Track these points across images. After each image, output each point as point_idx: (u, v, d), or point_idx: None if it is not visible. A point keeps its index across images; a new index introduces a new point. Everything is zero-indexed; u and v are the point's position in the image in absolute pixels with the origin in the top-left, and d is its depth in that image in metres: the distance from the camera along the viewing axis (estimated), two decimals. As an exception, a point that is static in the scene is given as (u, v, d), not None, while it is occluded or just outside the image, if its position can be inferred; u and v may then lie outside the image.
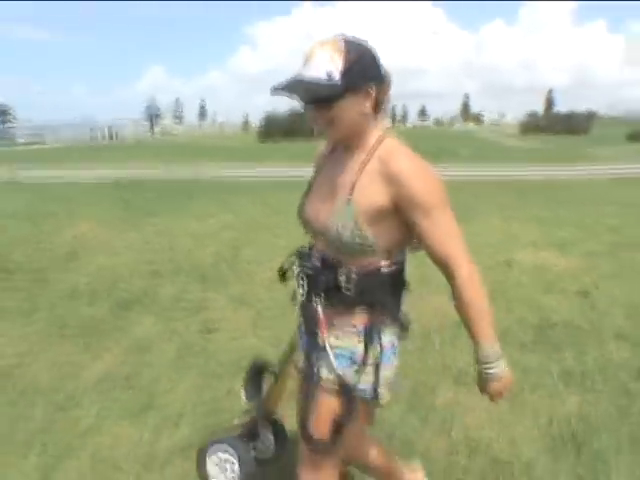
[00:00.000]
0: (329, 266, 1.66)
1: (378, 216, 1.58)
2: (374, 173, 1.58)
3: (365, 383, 1.66)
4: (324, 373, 1.68)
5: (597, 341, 4.03)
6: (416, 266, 1.88)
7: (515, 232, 8.12)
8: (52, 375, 3.55)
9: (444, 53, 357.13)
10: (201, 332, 4.23)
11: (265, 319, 4.48)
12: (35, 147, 49.09)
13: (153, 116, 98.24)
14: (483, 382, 1.68)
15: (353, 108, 1.56)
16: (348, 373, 1.66)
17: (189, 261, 6.43)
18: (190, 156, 28.34)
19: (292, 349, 1.99)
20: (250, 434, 2.16)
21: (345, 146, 1.67)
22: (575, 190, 15.10)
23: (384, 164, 1.57)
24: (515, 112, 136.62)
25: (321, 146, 1.84)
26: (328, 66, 1.50)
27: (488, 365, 1.64)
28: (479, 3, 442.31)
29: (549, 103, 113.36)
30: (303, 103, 1.58)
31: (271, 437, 2.20)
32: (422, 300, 4.63)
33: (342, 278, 1.63)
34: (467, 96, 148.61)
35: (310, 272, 1.70)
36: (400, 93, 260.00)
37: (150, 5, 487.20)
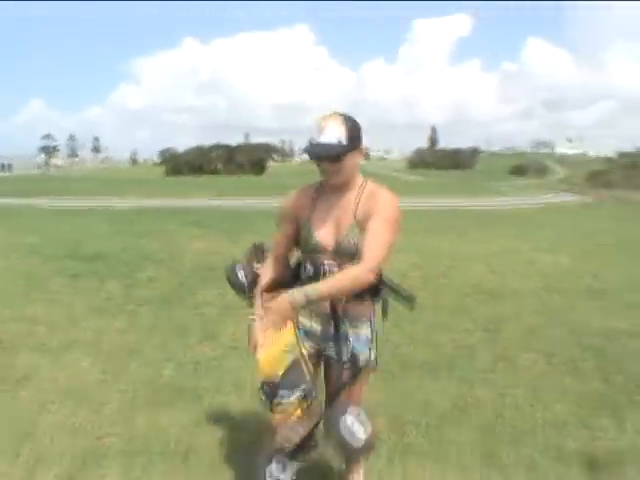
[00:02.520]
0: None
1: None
2: (365, 198, 2.23)
3: (374, 356, 2.35)
4: (359, 355, 2.31)
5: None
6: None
7: (509, 245, 11.14)
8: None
9: (326, 90, 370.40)
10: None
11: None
12: None
13: (50, 151, 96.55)
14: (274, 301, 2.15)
15: (353, 161, 2.19)
16: (367, 352, 2.32)
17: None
18: (149, 191, 29.05)
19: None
20: None
21: (336, 188, 2.26)
22: (514, 217, 18.62)
23: (372, 195, 2.23)
24: (400, 148, 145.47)
25: (296, 192, 2.41)
26: (337, 134, 2.12)
27: (287, 296, 2.12)
28: (360, 41, 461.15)
29: (433, 139, 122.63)
30: (318, 160, 2.18)
31: None
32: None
33: None
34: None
35: (331, 273, 2.23)
36: (285, 129, 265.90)
37: (24, 33, 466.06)
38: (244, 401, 3.70)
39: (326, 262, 2.26)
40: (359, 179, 2.29)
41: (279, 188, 28.82)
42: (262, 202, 21.12)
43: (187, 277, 7.29)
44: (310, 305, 2.16)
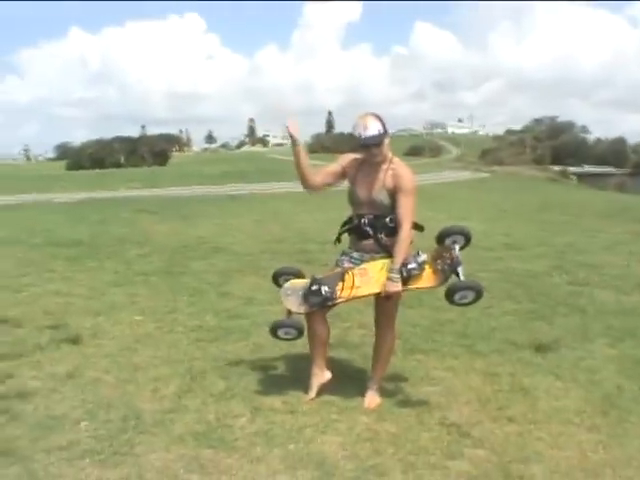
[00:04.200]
0: (379, 216, 3.42)
1: (392, 193, 3.37)
2: (391, 173, 3.39)
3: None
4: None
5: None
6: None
7: (428, 215, 12.65)
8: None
9: (220, 77, 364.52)
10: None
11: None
12: None
13: None
14: (387, 280, 3.35)
15: (386, 144, 3.36)
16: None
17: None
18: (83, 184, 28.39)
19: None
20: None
21: (375, 162, 3.40)
22: (422, 193, 20.42)
23: (396, 170, 3.39)
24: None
25: (349, 155, 3.58)
26: (377, 127, 3.28)
27: (392, 273, 3.33)
28: (252, 28, 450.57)
29: (329, 124, 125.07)
30: (369, 147, 3.35)
31: None
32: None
33: (388, 219, 3.40)
34: (252, 120, 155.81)
35: (372, 219, 3.42)
36: (181, 119, 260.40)
37: None
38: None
39: (365, 214, 3.43)
40: (389, 154, 3.42)
41: (197, 177, 29.55)
42: (191, 190, 21.81)
43: (172, 254, 8.24)
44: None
